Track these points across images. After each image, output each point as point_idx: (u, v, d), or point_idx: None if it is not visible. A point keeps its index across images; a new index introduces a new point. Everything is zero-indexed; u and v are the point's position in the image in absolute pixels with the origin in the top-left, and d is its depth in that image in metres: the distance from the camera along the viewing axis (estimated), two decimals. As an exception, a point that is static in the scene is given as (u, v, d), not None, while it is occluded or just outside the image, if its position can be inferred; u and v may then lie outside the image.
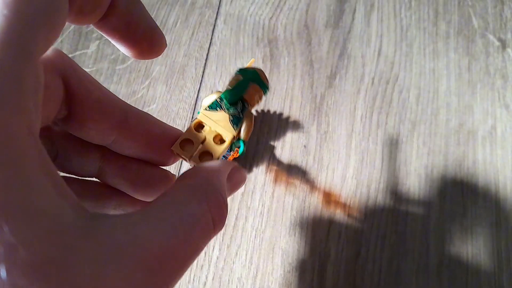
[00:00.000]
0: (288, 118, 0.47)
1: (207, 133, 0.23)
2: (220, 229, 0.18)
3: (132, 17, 0.19)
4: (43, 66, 0.15)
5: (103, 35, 0.19)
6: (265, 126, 0.46)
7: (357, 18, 0.51)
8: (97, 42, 0.50)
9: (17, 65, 0.12)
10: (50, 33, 0.14)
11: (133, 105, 0.22)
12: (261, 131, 0.46)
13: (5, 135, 0.11)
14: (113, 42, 0.20)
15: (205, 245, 0.17)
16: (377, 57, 0.50)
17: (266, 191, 0.44)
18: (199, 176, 0.19)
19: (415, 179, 0.45)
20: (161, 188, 0.24)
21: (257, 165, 0.45)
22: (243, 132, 0.23)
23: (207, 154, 0.22)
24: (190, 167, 0.22)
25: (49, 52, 0.18)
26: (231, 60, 0.49)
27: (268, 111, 0.47)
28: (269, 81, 0.48)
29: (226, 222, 0.42)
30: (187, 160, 0.22)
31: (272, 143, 0.46)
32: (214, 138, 0.23)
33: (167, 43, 0.21)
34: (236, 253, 0.42)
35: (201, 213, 0.17)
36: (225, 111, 0.23)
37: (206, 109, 0.23)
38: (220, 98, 0.23)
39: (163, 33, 0.21)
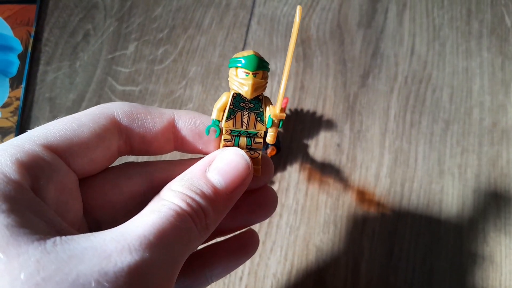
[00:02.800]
0: (321, 117, 0.47)
1: (241, 141, 0.23)
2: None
3: (190, 128, 0.24)
4: (75, 177, 0.20)
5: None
6: (298, 124, 0.47)
7: (390, 17, 0.51)
8: (136, 43, 0.52)
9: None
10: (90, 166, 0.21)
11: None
12: (295, 130, 0.47)
13: None
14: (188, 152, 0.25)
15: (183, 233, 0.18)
16: (410, 56, 0.50)
17: (300, 189, 0.45)
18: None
19: (448, 178, 0.45)
20: None
21: (290, 163, 0.46)
22: (270, 111, 0.22)
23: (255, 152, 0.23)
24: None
25: (107, 119, 0.21)
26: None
27: (302, 110, 0.48)
28: (302, 80, 0.49)
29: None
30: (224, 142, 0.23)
31: (305, 141, 0.47)
32: (257, 138, 0.23)
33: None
34: (271, 249, 0.43)
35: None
36: (246, 110, 0.23)
37: (227, 119, 0.23)
38: (234, 97, 0.23)
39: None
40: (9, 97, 0.49)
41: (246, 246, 0.26)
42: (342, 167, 0.46)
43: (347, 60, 0.50)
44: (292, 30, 0.20)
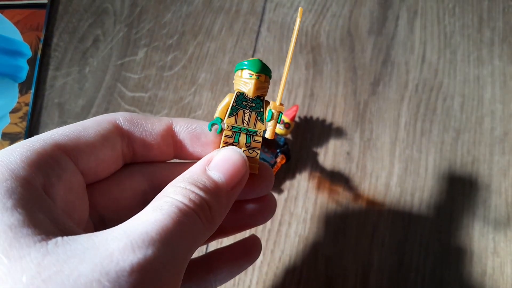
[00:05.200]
0: (331, 124, 0.47)
1: (241, 138, 0.24)
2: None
3: (191, 133, 0.24)
4: (81, 177, 0.20)
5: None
6: (307, 132, 0.47)
7: (401, 24, 0.51)
8: (145, 49, 0.51)
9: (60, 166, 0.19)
10: (95, 164, 0.21)
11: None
12: (304, 138, 0.47)
13: None
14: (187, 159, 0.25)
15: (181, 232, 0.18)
16: (420, 64, 0.49)
17: (309, 198, 0.45)
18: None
19: (459, 188, 0.45)
20: None
21: (300, 171, 0.46)
22: (270, 105, 0.24)
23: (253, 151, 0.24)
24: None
25: (110, 124, 0.22)
26: (275, 67, 0.49)
27: (311, 117, 0.47)
28: (312, 87, 0.49)
29: (269, 227, 0.43)
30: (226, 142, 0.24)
31: (314, 149, 0.46)
32: (255, 137, 0.24)
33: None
34: (280, 259, 0.43)
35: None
36: (247, 109, 0.24)
37: (230, 116, 0.24)
38: (237, 96, 0.24)
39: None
40: (18, 102, 0.49)
41: (249, 251, 0.27)
42: (351, 175, 0.45)
43: (357, 67, 0.49)
44: (293, 29, 0.21)
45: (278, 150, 0.44)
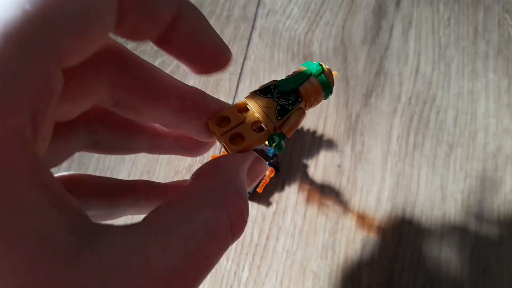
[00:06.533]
0: (322, 136, 0.46)
1: (249, 116, 0.20)
2: (239, 237, 0.16)
3: (197, 37, 0.17)
4: (60, 74, 0.13)
5: (164, 52, 0.17)
6: (298, 144, 0.46)
7: (395, 35, 0.50)
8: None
9: (16, 66, 0.11)
10: (78, 42, 0.12)
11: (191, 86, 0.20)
12: (294, 149, 0.46)
13: None
14: (174, 58, 0.18)
15: (219, 258, 0.15)
16: (414, 76, 0.48)
17: (298, 211, 0.43)
18: (219, 176, 0.17)
19: (451, 204, 0.44)
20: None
21: (289, 183, 0.44)
22: (286, 126, 0.20)
23: (239, 138, 0.20)
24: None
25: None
26: (266, 75, 0.48)
27: (302, 128, 0.46)
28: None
29: (256, 241, 0.42)
30: (218, 137, 0.20)
31: (305, 161, 0.45)
32: (253, 124, 0.20)
33: (232, 56, 0.19)
34: (266, 275, 0.42)
35: (219, 223, 0.14)
36: (274, 100, 0.20)
37: (256, 92, 0.20)
38: (274, 85, 0.21)
39: None
40: None
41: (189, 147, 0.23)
42: (342, 189, 0.44)
43: (350, 77, 0.48)
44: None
45: (267, 163, 0.43)
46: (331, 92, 0.21)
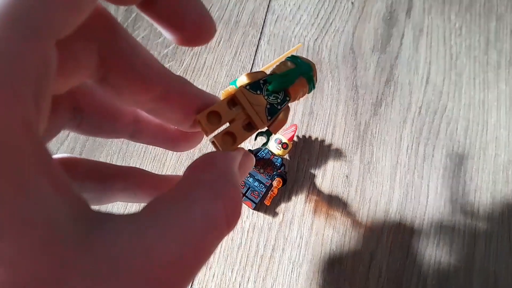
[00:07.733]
0: (330, 145, 0.45)
1: (238, 114, 0.20)
2: (233, 229, 0.16)
3: (181, 3, 0.17)
4: (55, 49, 0.12)
5: (146, 17, 0.17)
6: (305, 153, 0.45)
7: (405, 43, 0.49)
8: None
9: (15, 48, 0.11)
10: (70, 13, 0.12)
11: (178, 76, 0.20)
12: (302, 158, 0.45)
13: None
14: (156, 25, 0.18)
15: (215, 248, 0.16)
16: (425, 85, 0.48)
17: (305, 222, 0.43)
18: (215, 170, 0.17)
19: (460, 217, 0.43)
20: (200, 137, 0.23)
21: (296, 193, 0.44)
22: (274, 124, 0.20)
23: (230, 136, 0.20)
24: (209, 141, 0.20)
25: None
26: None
27: (310, 137, 0.45)
28: (312, 105, 0.47)
29: (262, 252, 0.41)
30: (207, 133, 0.19)
31: (312, 171, 0.44)
32: (243, 121, 0.20)
33: (216, 29, 0.18)
34: (272, 287, 0.41)
35: (216, 214, 0.15)
36: (264, 97, 0.20)
37: (246, 87, 0.20)
38: (265, 81, 0.20)
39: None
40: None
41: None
42: (350, 200, 0.43)
43: (359, 86, 0.48)
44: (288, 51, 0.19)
45: (274, 173, 0.42)
46: (314, 88, 0.22)
